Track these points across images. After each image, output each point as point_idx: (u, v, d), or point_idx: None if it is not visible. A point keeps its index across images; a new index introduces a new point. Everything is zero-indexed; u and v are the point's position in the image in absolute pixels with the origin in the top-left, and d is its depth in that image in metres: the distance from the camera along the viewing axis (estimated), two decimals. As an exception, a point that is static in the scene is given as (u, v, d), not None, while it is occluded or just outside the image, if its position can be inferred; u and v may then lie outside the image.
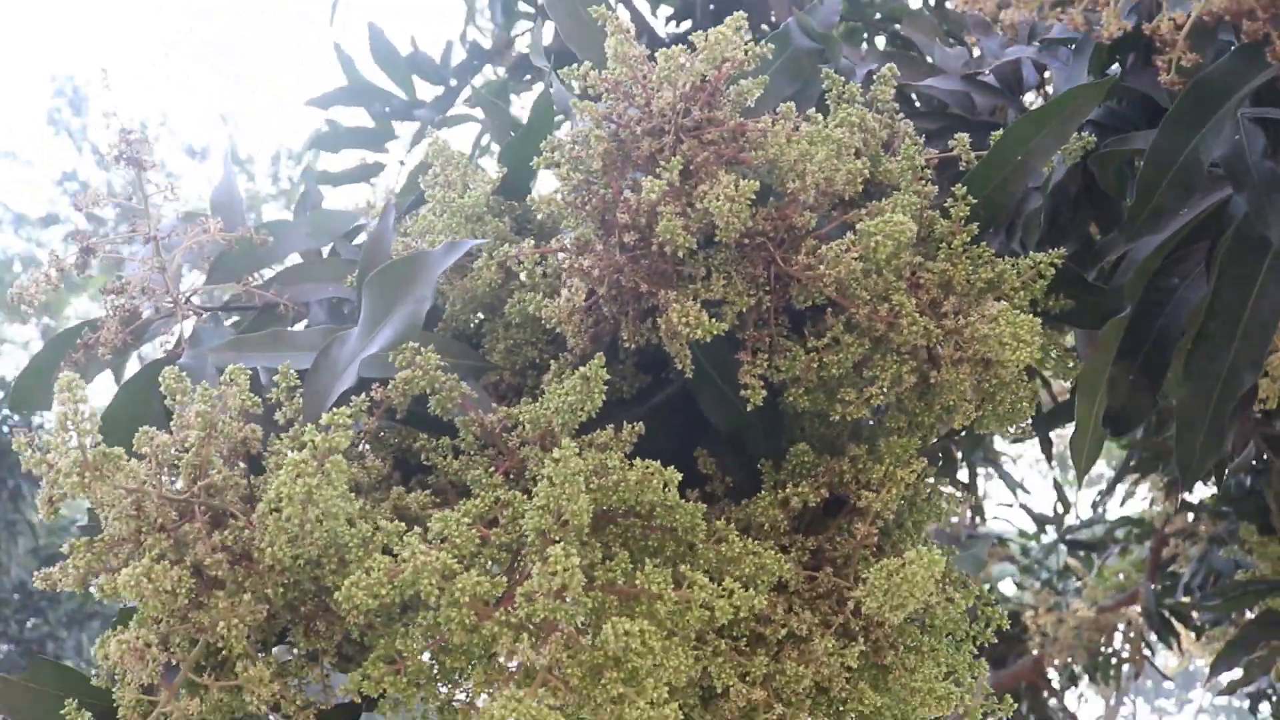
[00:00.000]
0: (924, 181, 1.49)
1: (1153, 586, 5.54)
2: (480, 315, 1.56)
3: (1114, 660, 6.13)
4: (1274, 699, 5.48)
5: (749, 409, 1.39)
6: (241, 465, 1.28)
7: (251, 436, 1.28)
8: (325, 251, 1.81)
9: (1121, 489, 5.85)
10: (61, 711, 1.29)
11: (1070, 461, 1.69)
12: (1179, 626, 5.52)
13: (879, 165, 1.52)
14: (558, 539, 1.16)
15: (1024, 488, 5.77)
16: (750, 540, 1.32)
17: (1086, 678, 6.26)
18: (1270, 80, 1.56)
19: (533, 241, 1.40)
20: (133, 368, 1.68)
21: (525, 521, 1.18)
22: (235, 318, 1.78)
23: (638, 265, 1.33)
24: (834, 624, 1.38)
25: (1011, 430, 1.52)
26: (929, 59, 2.27)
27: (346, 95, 3.91)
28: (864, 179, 1.42)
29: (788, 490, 1.41)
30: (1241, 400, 1.59)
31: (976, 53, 2.26)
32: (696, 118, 1.35)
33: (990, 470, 5.39)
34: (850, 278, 1.34)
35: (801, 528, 1.46)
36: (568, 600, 1.14)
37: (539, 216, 1.59)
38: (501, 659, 1.22)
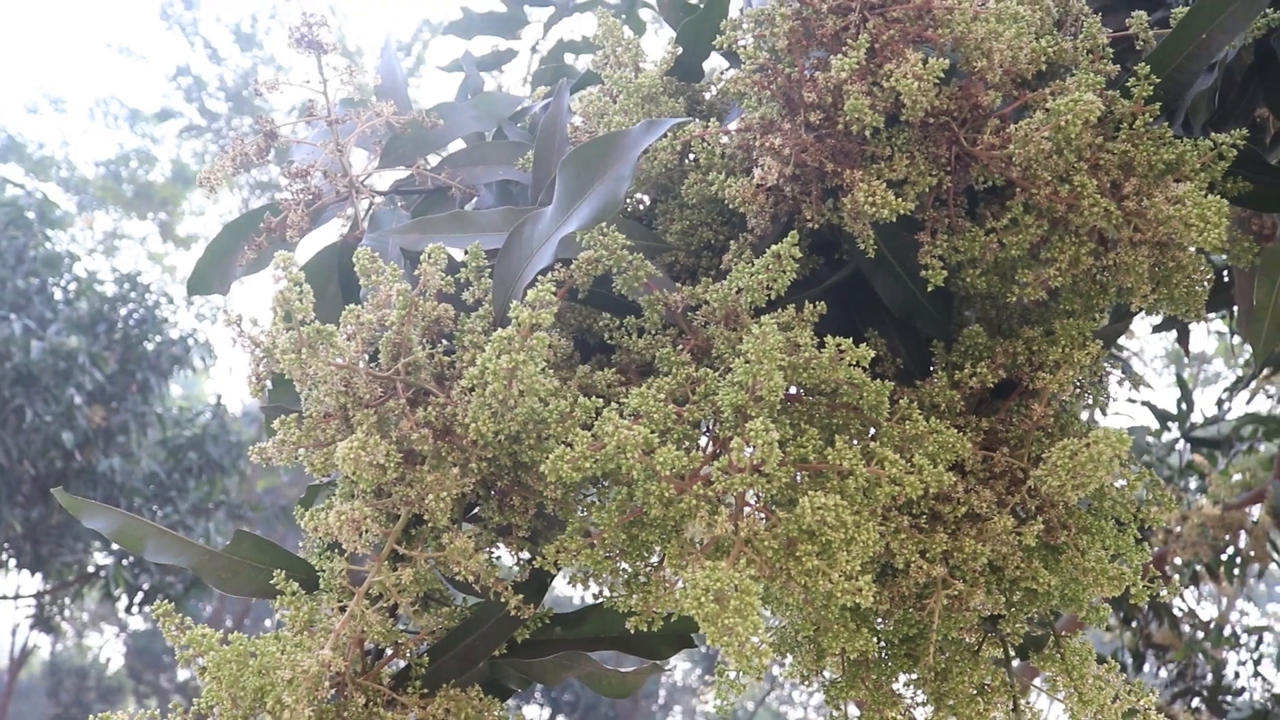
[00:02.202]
0: (1104, 60, 1.46)
1: (1282, 485, 5.43)
2: (648, 197, 1.56)
3: (1238, 560, 6.03)
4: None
5: (926, 291, 1.39)
6: (444, 343, 1.31)
7: (445, 315, 1.31)
8: (489, 135, 1.82)
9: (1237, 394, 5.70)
10: (271, 581, 1.36)
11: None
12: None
13: (1056, 44, 1.48)
14: (753, 414, 1.18)
15: (1146, 383, 5.66)
16: (932, 419, 1.33)
17: (1208, 575, 6.17)
18: None
19: (717, 121, 1.40)
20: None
21: (720, 397, 1.20)
22: (401, 201, 1.80)
23: (823, 145, 1.33)
24: (1009, 503, 1.39)
25: (1185, 313, 1.50)
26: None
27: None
28: (1046, 58, 1.39)
29: (965, 371, 1.41)
30: None
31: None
32: (882, -6, 1.33)
33: (1111, 368, 5.27)
34: (1037, 158, 1.32)
35: (972, 409, 1.47)
36: (765, 474, 1.16)
37: (707, 97, 1.58)
38: (689, 535, 1.25)
